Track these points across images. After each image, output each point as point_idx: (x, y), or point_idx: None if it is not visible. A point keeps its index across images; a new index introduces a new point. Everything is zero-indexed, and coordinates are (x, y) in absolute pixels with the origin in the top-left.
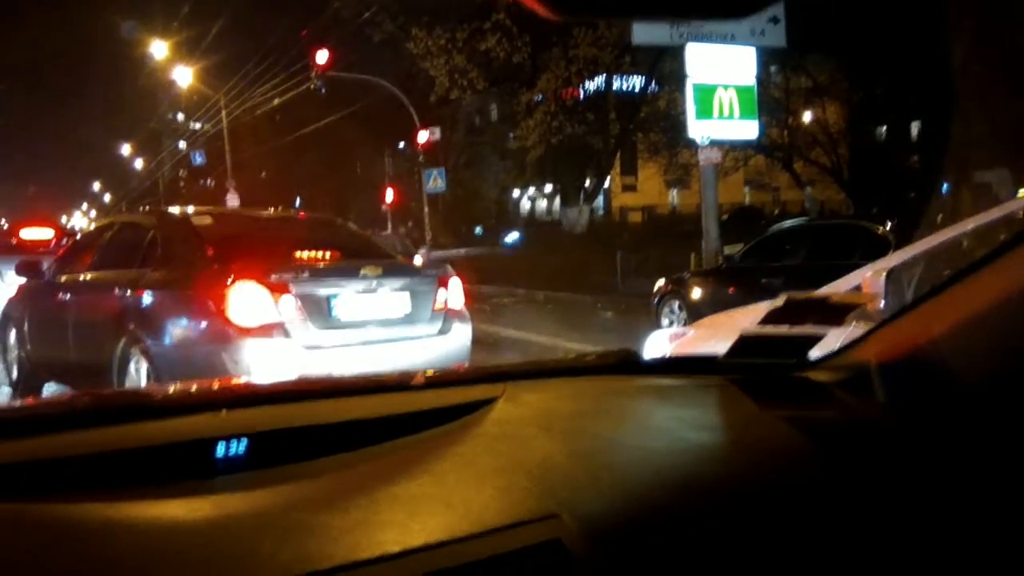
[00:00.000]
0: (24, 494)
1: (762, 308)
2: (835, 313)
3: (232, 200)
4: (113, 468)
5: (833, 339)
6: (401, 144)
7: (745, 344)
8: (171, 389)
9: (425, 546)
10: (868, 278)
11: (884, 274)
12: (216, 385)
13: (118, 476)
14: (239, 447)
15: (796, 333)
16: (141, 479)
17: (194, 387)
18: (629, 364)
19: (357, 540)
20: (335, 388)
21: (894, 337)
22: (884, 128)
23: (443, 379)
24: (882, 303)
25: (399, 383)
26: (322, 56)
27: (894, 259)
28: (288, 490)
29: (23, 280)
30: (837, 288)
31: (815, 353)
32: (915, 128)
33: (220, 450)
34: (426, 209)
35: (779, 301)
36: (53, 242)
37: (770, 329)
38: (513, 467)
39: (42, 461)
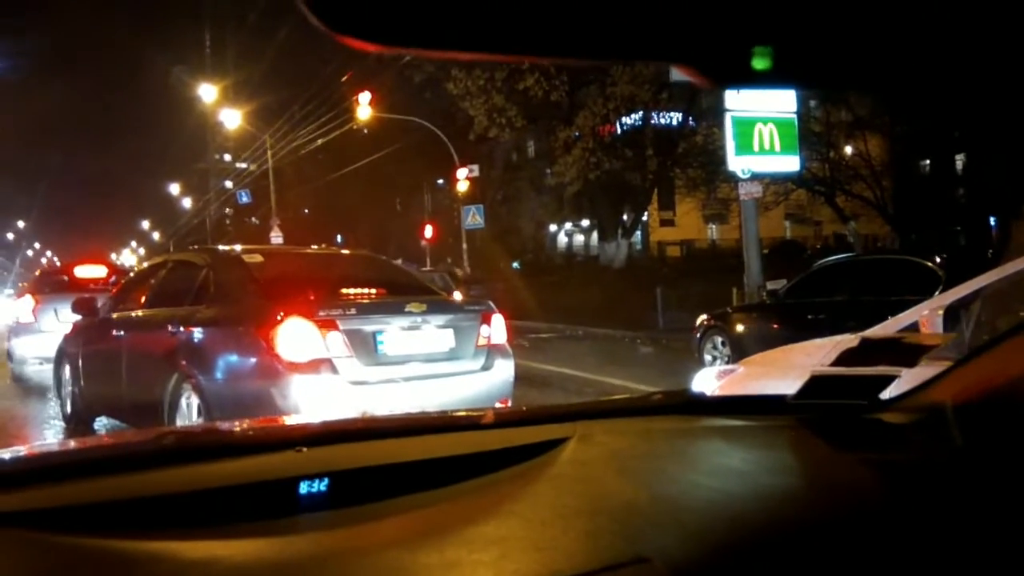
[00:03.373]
0: (115, 530)
1: (812, 345)
2: (909, 353)
3: (276, 237)
4: (201, 505)
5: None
6: (440, 181)
7: (816, 384)
8: (251, 427)
9: None
10: (926, 316)
11: (942, 312)
12: (293, 423)
13: (206, 513)
14: (321, 485)
15: (868, 373)
16: (228, 517)
17: (273, 424)
18: (697, 404)
19: None
20: (409, 426)
21: (971, 378)
22: (928, 161)
23: (514, 418)
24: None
25: (472, 422)
26: (365, 98)
27: (951, 296)
28: (377, 528)
29: (77, 317)
30: (892, 326)
31: (886, 394)
32: (960, 161)
33: (303, 488)
34: (464, 245)
35: (853, 340)
36: (105, 280)
37: (841, 369)
38: (596, 509)
39: (132, 499)
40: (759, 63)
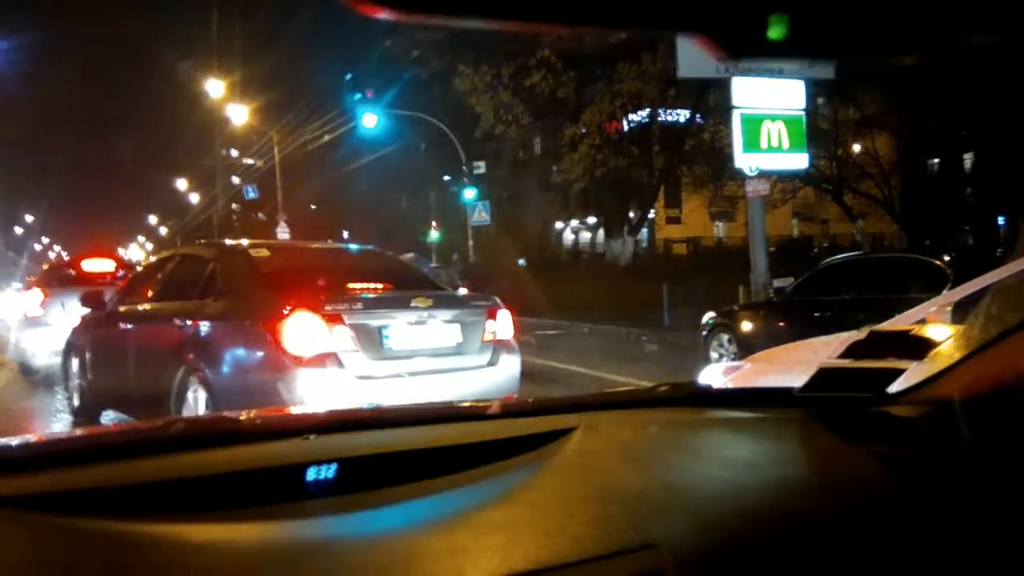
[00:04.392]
0: (122, 514)
1: (819, 343)
2: (916, 347)
3: (282, 233)
4: (210, 491)
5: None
6: (447, 178)
7: (823, 377)
8: (259, 416)
9: (528, 572)
10: (933, 313)
11: (950, 309)
12: (302, 411)
13: (215, 498)
14: (329, 472)
15: (875, 367)
16: (236, 502)
17: (282, 413)
18: (703, 396)
19: (460, 564)
20: (416, 416)
21: (978, 372)
22: (936, 160)
23: (521, 409)
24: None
25: (479, 412)
26: (370, 92)
27: (960, 292)
28: (384, 514)
29: (85, 311)
30: (900, 323)
31: (894, 387)
32: (968, 160)
33: (311, 475)
34: (471, 242)
35: (860, 334)
36: (113, 274)
37: (849, 362)
38: (602, 497)
39: (141, 484)
40: (774, 32)
